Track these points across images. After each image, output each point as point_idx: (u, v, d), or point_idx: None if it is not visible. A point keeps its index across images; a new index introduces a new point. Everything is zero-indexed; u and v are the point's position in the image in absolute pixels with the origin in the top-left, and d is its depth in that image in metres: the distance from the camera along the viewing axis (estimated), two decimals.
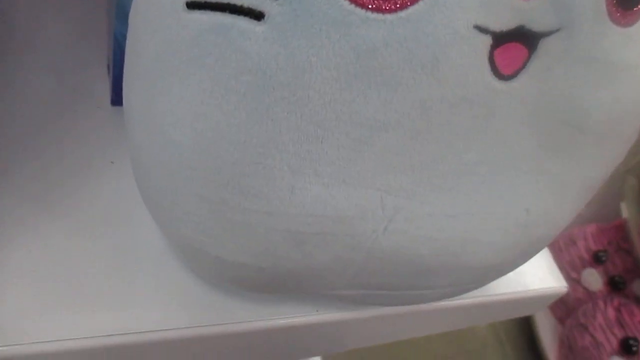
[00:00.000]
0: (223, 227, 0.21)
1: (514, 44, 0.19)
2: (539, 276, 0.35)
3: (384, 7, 0.17)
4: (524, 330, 1.01)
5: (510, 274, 0.27)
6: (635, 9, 0.21)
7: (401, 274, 0.24)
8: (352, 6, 0.17)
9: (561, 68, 0.21)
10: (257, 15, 0.17)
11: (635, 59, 0.22)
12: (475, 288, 0.28)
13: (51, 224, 0.26)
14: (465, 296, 0.29)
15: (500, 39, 0.19)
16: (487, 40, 0.19)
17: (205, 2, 0.18)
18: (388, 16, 0.17)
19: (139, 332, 0.25)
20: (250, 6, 0.17)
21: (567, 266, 0.94)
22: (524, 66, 0.20)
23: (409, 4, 0.17)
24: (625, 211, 0.90)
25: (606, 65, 0.21)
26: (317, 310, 0.28)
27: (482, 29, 0.18)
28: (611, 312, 0.88)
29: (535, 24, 0.19)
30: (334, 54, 0.18)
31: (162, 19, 0.18)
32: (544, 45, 0.20)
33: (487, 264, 0.25)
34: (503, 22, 0.19)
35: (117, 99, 0.30)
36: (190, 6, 0.18)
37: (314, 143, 0.19)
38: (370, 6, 0.17)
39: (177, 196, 0.21)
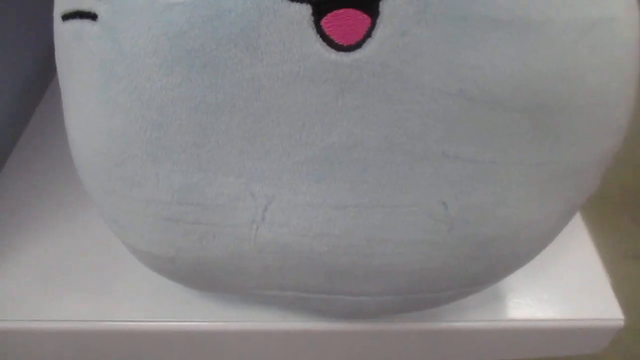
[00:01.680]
0: (124, 216, 0.23)
1: (347, 11, 0.18)
2: (584, 303, 0.28)
3: None
4: None
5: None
6: None
7: (313, 274, 0.23)
8: None
9: (423, 31, 0.18)
10: (93, 17, 0.20)
11: (543, 13, 0.18)
12: (447, 302, 0.25)
13: (46, 223, 0.31)
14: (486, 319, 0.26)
15: (325, 7, 0.18)
16: (305, 10, 0.18)
17: (69, 13, 0.21)
18: None
19: (112, 321, 0.28)
20: (89, 9, 0.20)
21: None
22: (369, 34, 0.18)
23: None
24: None
25: (489, 23, 0.18)
26: (283, 318, 0.28)
27: None
28: None
29: None
30: (150, 41, 0.19)
31: (55, 30, 0.22)
32: (388, 8, 0.18)
33: (417, 267, 0.22)
34: None
35: None
36: (64, 17, 0.21)
37: (160, 130, 0.20)
38: None
39: (91, 191, 0.23)
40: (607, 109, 0.20)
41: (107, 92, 0.20)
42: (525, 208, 0.21)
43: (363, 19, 0.18)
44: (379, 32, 0.18)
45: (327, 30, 0.18)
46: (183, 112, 0.19)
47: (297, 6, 0.18)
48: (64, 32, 0.21)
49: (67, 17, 0.21)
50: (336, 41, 0.18)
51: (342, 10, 0.18)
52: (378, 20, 0.18)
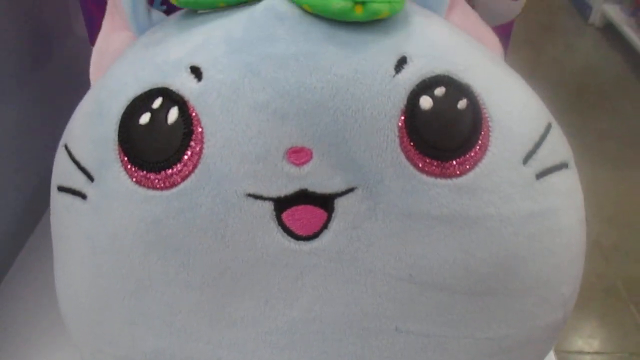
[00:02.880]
0: None
1: (305, 207, 0.20)
2: None
3: (158, 186, 0.20)
4: None
5: None
6: (456, 160, 0.20)
7: None
8: (136, 186, 0.21)
9: (374, 225, 0.20)
10: (83, 196, 0.22)
11: (481, 209, 0.20)
12: None
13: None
14: None
15: (285, 203, 0.20)
16: (268, 206, 0.20)
17: (63, 187, 0.23)
18: (165, 192, 0.20)
19: None
20: (80, 189, 0.22)
21: None
22: (325, 226, 0.20)
23: (179, 180, 0.20)
24: None
25: (432, 219, 0.20)
26: None
27: (256, 196, 0.20)
28: None
29: (319, 187, 0.20)
30: (130, 224, 0.21)
31: (52, 196, 0.24)
32: (342, 205, 0.20)
33: None
34: (280, 189, 0.20)
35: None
36: (59, 189, 0.23)
37: (137, 299, 0.22)
38: (148, 186, 0.20)
39: (74, 338, 0.25)
40: (552, 289, 0.22)
41: (91, 261, 0.22)
42: None
43: (320, 214, 0.20)
44: (334, 225, 0.20)
45: (287, 223, 0.20)
46: (158, 286, 0.21)
47: (260, 203, 0.20)
48: (58, 201, 0.23)
49: (61, 189, 0.23)
50: (295, 232, 0.20)
51: (300, 207, 0.20)
52: (333, 215, 0.20)
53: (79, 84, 0.45)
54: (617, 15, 1.49)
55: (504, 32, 0.29)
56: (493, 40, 0.25)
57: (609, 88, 1.42)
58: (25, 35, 0.39)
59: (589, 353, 0.91)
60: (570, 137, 0.24)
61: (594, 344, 0.92)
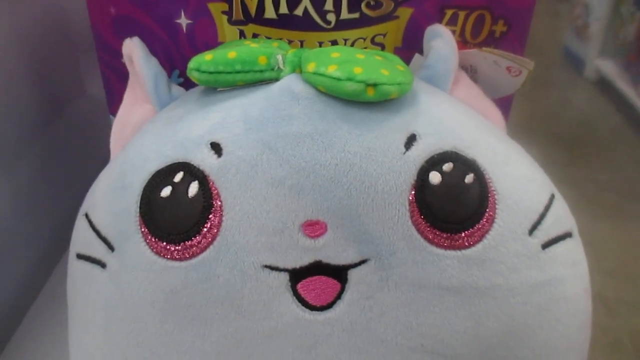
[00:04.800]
0: None
1: (320, 278, 0.21)
2: None
3: (177, 257, 0.21)
4: None
5: None
6: (464, 232, 0.21)
7: None
8: (156, 256, 0.21)
9: (386, 296, 0.21)
10: (102, 265, 0.23)
11: (490, 280, 0.21)
12: None
13: None
14: None
15: (300, 275, 0.21)
16: (283, 277, 0.20)
17: (82, 255, 0.24)
18: (183, 263, 0.21)
19: None
20: (99, 258, 0.23)
21: None
22: (339, 297, 0.21)
23: (198, 252, 0.21)
24: None
25: (442, 290, 0.21)
26: None
27: (272, 268, 0.20)
28: None
29: (333, 259, 0.20)
30: (149, 294, 0.21)
31: (70, 263, 0.25)
32: (355, 276, 0.21)
33: None
34: (295, 260, 0.20)
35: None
36: (78, 256, 0.24)
37: None
38: (167, 256, 0.21)
39: None
40: (560, 357, 0.22)
41: (108, 330, 0.23)
42: None
43: (333, 284, 0.21)
44: (347, 296, 0.21)
45: (302, 294, 0.21)
46: (173, 355, 0.22)
47: (276, 274, 0.20)
48: (76, 269, 0.24)
49: (80, 257, 0.24)
50: (310, 302, 0.21)
51: (315, 278, 0.21)
52: (347, 286, 0.21)
53: (89, 145, 0.47)
54: (610, 69, 1.53)
55: (505, 101, 0.30)
56: (495, 113, 0.26)
57: (605, 140, 1.44)
58: (36, 95, 0.40)
59: None
60: (568, 189, 0.24)
61: None
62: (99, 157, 0.38)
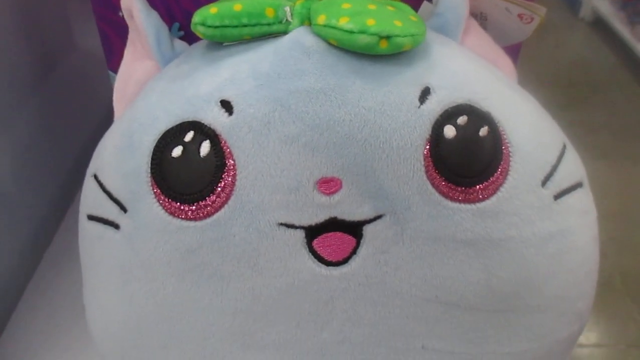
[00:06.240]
0: None
1: (335, 234, 0.21)
2: None
3: (192, 217, 0.21)
4: None
5: None
6: (479, 186, 0.21)
7: None
8: (170, 217, 0.21)
9: (401, 250, 0.21)
10: (115, 226, 0.23)
11: (504, 232, 0.21)
12: None
13: None
14: None
15: (316, 231, 0.21)
16: (299, 234, 0.21)
17: (93, 216, 0.24)
18: (199, 223, 0.21)
19: None
20: (112, 219, 0.23)
21: None
22: (354, 252, 0.21)
23: (213, 211, 0.21)
24: None
25: (457, 243, 0.21)
26: None
27: (288, 225, 0.20)
28: None
29: (348, 215, 0.20)
30: (164, 254, 0.21)
31: (80, 224, 0.25)
32: (370, 232, 0.21)
33: None
34: (311, 217, 0.20)
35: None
36: (89, 217, 0.24)
37: (170, 324, 0.22)
38: (182, 217, 0.21)
39: None
40: (569, 304, 0.23)
41: (125, 290, 0.23)
42: None
43: (349, 240, 0.21)
44: (362, 251, 0.21)
45: (318, 250, 0.21)
46: (191, 312, 0.22)
47: (292, 232, 0.21)
48: (88, 230, 0.24)
49: (92, 218, 0.24)
50: (326, 258, 0.21)
51: (330, 234, 0.21)
52: (362, 241, 0.21)
53: (86, 99, 0.46)
54: (607, 9, 1.50)
55: (514, 48, 0.30)
56: (506, 62, 0.26)
57: (601, 82, 1.44)
58: (27, 50, 0.39)
59: (587, 346, 0.92)
60: (564, 130, 0.24)
61: (592, 337, 0.93)
62: (98, 112, 0.37)
